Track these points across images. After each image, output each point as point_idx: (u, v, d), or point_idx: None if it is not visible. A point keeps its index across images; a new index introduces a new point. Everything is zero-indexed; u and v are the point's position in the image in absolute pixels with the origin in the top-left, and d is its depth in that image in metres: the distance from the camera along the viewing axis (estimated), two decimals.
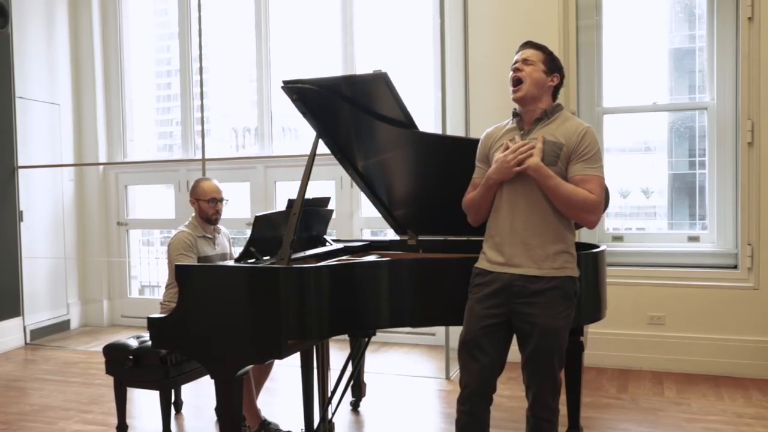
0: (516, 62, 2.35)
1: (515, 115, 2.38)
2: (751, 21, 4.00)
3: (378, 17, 5.38)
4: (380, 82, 2.54)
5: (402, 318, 2.64)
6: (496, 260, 2.30)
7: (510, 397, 3.70)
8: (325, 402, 2.96)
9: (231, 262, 3.39)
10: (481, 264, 2.36)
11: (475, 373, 2.29)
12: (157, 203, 6.50)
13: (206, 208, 3.28)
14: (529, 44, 2.40)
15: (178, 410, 3.66)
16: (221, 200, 3.32)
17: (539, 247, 2.23)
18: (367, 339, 3.35)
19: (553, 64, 2.36)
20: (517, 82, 2.31)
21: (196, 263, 3.17)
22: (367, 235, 5.26)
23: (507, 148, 2.27)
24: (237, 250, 3.38)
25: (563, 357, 2.29)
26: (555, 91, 2.37)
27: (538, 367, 2.26)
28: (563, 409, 3.07)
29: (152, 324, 2.62)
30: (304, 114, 2.78)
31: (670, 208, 4.83)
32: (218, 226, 3.41)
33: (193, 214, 3.34)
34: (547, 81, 2.33)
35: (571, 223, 2.31)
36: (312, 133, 2.84)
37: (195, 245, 3.23)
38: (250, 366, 2.65)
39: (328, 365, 3.03)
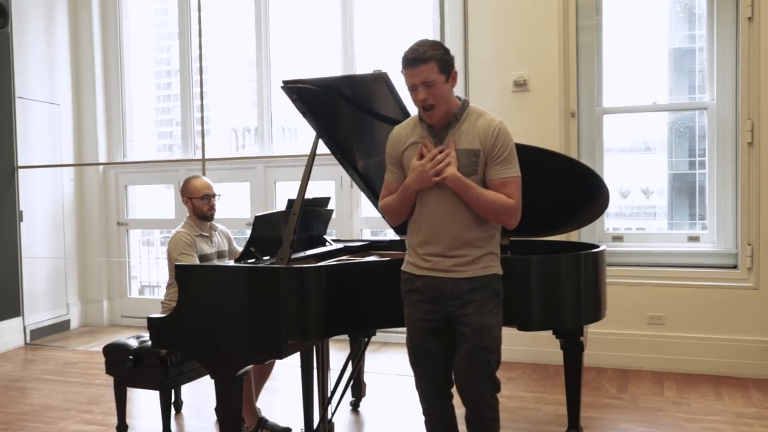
0: (415, 87, 2.15)
1: (422, 119, 2.25)
2: (751, 21, 4.00)
3: (378, 17, 5.38)
4: (380, 81, 2.54)
5: (401, 318, 2.64)
6: (421, 265, 2.28)
7: (510, 397, 3.70)
8: (325, 402, 2.96)
9: (231, 261, 3.40)
10: (408, 268, 2.34)
11: (428, 376, 2.30)
12: (157, 203, 6.50)
13: (200, 205, 3.28)
14: (418, 60, 2.12)
15: (178, 410, 3.66)
16: (214, 195, 3.32)
17: (464, 256, 2.22)
18: (367, 339, 3.35)
19: (447, 65, 2.16)
20: (428, 108, 2.17)
21: (198, 262, 3.17)
22: (367, 235, 5.26)
23: (422, 155, 2.19)
24: (240, 248, 3.39)
25: (499, 357, 2.27)
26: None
27: (475, 366, 2.23)
28: (563, 409, 3.09)
29: (152, 324, 2.63)
30: (304, 114, 2.78)
31: (670, 208, 4.83)
32: (214, 224, 3.41)
33: (188, 215, 3.35)
34: (450, 87, 2.19)
35: (497, 226, 2.29)
36: (312, 133, 2.84)
37: (194, 244, 3.23)
38: (250, 366, 2.65)
39: (328, 365, 3.03)
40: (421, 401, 2.34)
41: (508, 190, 2.18)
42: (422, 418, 2.40)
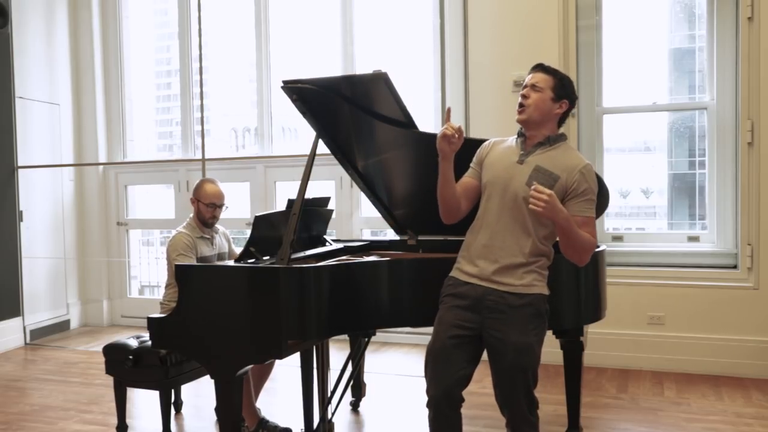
0: (525, 86, 2.33)
1: (520, 135, 2.37)
2: (751, 21, 4.00)
3: (378, 17, 5.38)
4: (380, 82, 2.54)
5: (402, 318, 2.65)
6: (469, 272, 2.31)
7: None
8: (324, 402, 2.96)
9: (230, 262, 3.40)
10: (455, 273, 2.37)
11: (441, 383, 2.25)
12: (157, 203, 6.50)
13: (204, 211, 3.28)
14: (540, 68, 2.36)
15: (178, 410, 3.66)
16: (221, 206, 3.32)
17: (510, 268, 2.25)
18: (367, 339, 3.35)
19: (563, 91, 2.32)
20: (521, 106, 2.31)
21: (196, 263, 3.17)
22: (367, 235, 5.26)
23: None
24: (238, 250, 3.39)
25: (537, 375, 2.27)
26: (562, 118, 2.36)
27: (514, 385, 2.23)
28: (563, 409, 3.09)
29: (152, 324, 2.62)
30: (304, 114, 2.78)
31: (670, 208, 4.83)
32: (216, 226, 3.41)
33: (192, 214, 3.35)
34: (553, 108, 2.30)
35: (549, 248, 2.32)
36: (312, 133, 2.84)
37: (194, 246, 3.22)
38: (250, 366, 2.65)
39: (328, 365, 3.03)
40: (428, 404, 2.30)
41: (589, 229, 2.24)
42: (422, 418, 2.39)
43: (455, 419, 2.29)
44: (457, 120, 4.53)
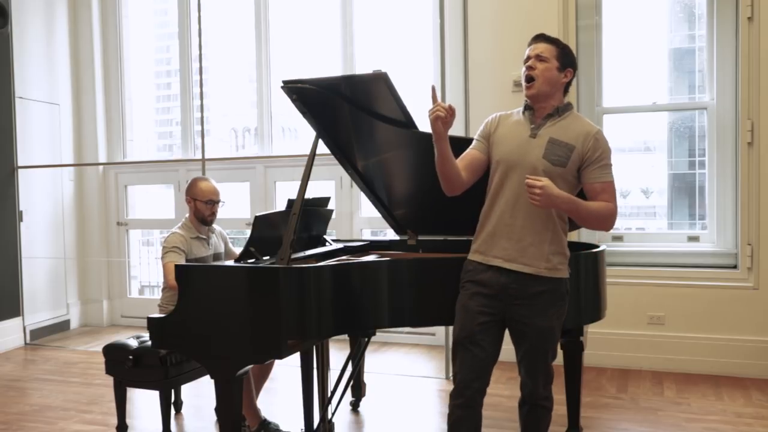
0: (529, 58, 2.30)
1: (527, 108, 2.35)
2: (750, 21, 4.00)
3: (378, 17, 5.38)
4: (380, 82, 2.54)
5: (401, 318, 2.64)
6: (490, 253, 2.29)
7: (510, 397, 3.70)
8: (325, 402, 2.97)
9: (230, 262, 3.40)
10: (475, 257, 2.35)
11: (472, 367, 2.28)
12: (157, 203, 6.50)
13: (203, 209, 3.28)
14: (542, 38, 2.33)
15: (178, 410, 3.66)
16: (218, 202, 3.32)
17: (535, 246, 2.25)
18: (367, 339, 3.35)
19: (566, 59, 2.31)
20: (529, 80, 2.28)
21: (182, 261, 3.15)
22: (367, 235, 5.26)
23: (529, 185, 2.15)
24: (237, 250, 3.38)
25: (556, 351, 2.39)
26: (566, 86, 2.35)
27: (535, 364, 2.34)
28: (563, 409, 3.09)
29: (152, 324, 2.62)
30: (304, 114, 2.78)
31: (670, 208, 4.83)
32: (213, 226, 3.40)
33: (188, 215, 3.34)
34: (560, 78, 2.30)
35: (566, 225, 2.33)
36: (312, 133, 2.84)
37: (187, 247, 3.21)
38: (250, 366, 2.65)
39: (328, 365, 3.03)
40: (455, 392, 2.30)
41: (607, 195, 2.24)
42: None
43: (479, 409, 2.32)
44: (457, 120, 4.51)
